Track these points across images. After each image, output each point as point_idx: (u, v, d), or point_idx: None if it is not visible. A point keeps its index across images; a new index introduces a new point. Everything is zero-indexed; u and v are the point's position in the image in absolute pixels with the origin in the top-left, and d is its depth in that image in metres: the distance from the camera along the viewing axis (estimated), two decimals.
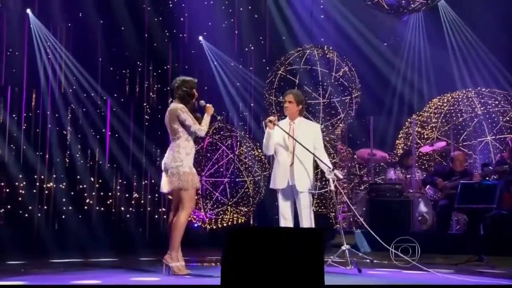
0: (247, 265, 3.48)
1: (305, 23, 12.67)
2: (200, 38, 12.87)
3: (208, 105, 6.17)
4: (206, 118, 6.08)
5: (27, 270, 6.55)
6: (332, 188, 6.70)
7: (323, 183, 10.47)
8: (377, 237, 6.91)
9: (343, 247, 6.39)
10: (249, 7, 12.90)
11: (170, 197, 7.32)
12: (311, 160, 6.76)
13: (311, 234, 3.67)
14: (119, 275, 6.00)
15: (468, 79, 12.33)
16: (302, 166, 6.66)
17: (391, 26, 12.67)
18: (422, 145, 11.05)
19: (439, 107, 11.82)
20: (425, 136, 11.62)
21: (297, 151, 6.65)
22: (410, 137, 11.68)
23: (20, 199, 11.22)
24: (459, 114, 11.62)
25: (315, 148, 6.72)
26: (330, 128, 10.77)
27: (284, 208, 6.77)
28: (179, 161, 5.84)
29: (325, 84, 10.40)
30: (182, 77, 6.18)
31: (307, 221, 6.62)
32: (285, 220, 6.74)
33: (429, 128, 11.69)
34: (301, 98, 6.92)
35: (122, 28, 12.10)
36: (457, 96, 11.76)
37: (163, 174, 5.98)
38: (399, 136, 11.95)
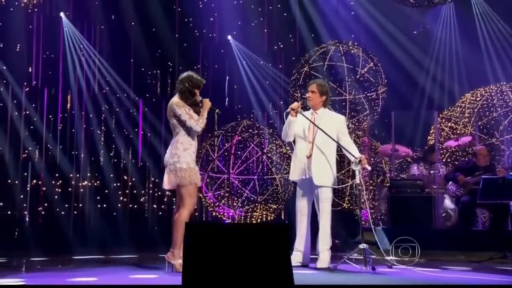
0: (207, 261, 3.40)
1: (335, 20, 12.63)
2: (229, 37, 12.97)
3: (205, 99, 6.02)
4: (203, 113, 5.91)
5: (35, 266, 6.72)
6: (357, 181, 6.33)
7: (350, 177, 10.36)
8: (377, 239, 6.77)
9: (360, 246, 6.18)
10: (279, 6, 12.93)
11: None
12: (333, 153, 6.51)
13: (275, 230, 3.56)
14: (119, 273, 5.97)
15: (501, 73, 12.05)
16: (322, 158, 6.41)
17: (420, 19, 12.48)
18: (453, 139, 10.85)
19: (472, 102, 11.61)
20: (458, 132, 11.43)
21: (317, 142, 6.42)
22: (442, 133, 11.52)
23: (56, 197, 11.57)
24: (492, 109, 11.39)
25: (340, 139, 6.47)
26: (356, 124, 10.68)
27: (301, 202, 6.60)
28: (176, 157, 5.80)
29: (349, 80, 10.31)
30: (191, 73, 6.08)
31: (325, 218, 6.44)
32: (302, 216, 6.57)
33: (461, 123, 11.50)
34: (325, 88, 6.66)
35: (153, 29, 12.31)
36: (491, 90, 11.52)
37: (165, 170, 5.95)
38: (431, 132, 11.78)
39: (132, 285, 4.99)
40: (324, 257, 6.41)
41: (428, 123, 11.94)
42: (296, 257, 6.54)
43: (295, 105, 6.50)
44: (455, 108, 11.79)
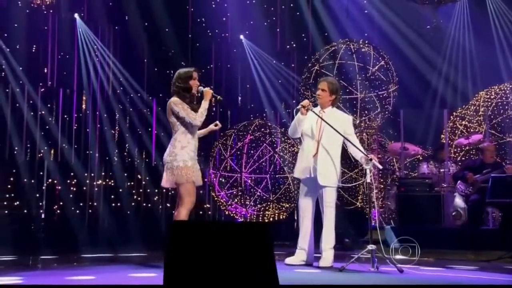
0: (190, 259, 3.36)
1: (347, 19, 12.60)
2: (241, 37, 13.02)
3: (205, 89, 5.94)
4: (203, 104, 5.85)
5: (41, 265, 6.74)
6: (369, 180, 6.12)
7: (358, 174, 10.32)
8: (385, 237, 6.67)
9: (369, 247, 6.06)
10: (291, 5, 12.93)
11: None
12: (338, 153, 6.43)
13: (256, 229, 3.53)
14: (119, 271, 5.86)
15: None
16: (327, 157, 6.32)
17: (432, 17, 12.40)
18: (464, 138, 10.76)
19: (486, 100, 11.52)
20: (472, 130, 11.33)
21: (323, 141, 6.35)
22: (456, 131, 11.44)
23: (71, 196, 11.74)
24: (507, 107, 11.27)
25: (346, 137, 6.36)
26: (367, 122, 10.66)
27: (305, 200, 6.52)
28: (173, 155, 5.75)
29: (360, 78, 10.29)
30: (179, 70, 6.01)
31: (329, 219, 6.35)
32: (305, 214, 6.49)
33: (475, 121, 11.41)
34: (335, 87, 6.56)
35: (166, 29, 12.42)
36: (505, 88, 11.41)
37: (164, 169, 5.92)
38: (444, 130, 11.69)
39: (124, 284, 4.92)
40: (327, 256, 6.34)
41: (441, 122, 11.85)
42: (300, 256, 6.52)
43: (305, 102, 6.44)
44: (469, 107, 11.70)
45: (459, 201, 9.27)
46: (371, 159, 6.16)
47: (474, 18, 12.46)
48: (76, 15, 11.90)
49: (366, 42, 10.82)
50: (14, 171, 11.24)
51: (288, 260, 6.56)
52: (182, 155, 5.76)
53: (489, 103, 11.36)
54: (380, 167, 6.77)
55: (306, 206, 6.54)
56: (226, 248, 3.42)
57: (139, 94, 12.35)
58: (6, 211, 11.11)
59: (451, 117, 11.71)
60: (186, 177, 5.72)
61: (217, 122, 6.29)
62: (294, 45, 13.17)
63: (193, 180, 5.79)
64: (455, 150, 11.34)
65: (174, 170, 5.74)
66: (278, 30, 13.07)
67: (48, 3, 11.48)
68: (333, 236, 6.44)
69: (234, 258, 3.41)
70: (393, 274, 5.82)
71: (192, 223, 3.68)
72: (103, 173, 12.09)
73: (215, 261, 3.38)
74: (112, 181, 12.12)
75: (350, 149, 6.54)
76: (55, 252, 8.04)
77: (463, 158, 11.16)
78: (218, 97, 6.06)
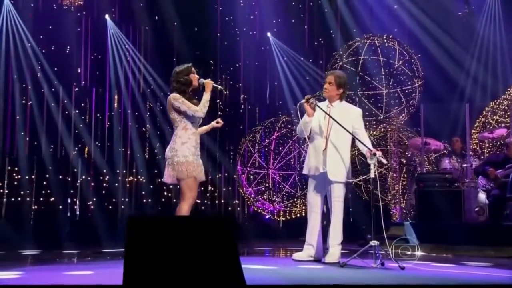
0: (150, 256, 3.31)
1: (375, 15, 12.51)
2: (268, 34, 13.07)
3: (206, 81, 5.94)
4: (205, 96, 5.86)
5: (50, 259, 6.87)
6: (372, 175, 5.96)
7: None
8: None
9: (371, 243, 5.88)
10: (319, 1, 12.91)
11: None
12: (347, 148, 6.35)
13: (219, 223, 3.45)
14: (119, 266, 5.71)
15: None
16: (336, 153, 6.25)
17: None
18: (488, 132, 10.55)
19: None
20: (503, 125, 11.11)
21: (332, 136, 6.27)
22: (488, 126, 11.24)
23: (103, 192, 12.05)
24: None
25: (354, 133, 6.27)
26: (394, 119, 10.57)
27: (313, 196, 6.46)
28: (174, 151, 5.76)
29: (383, 74, 10.21)
30: (176, 69, 6.03)
31: (337, 215, 6.29)
32: (313, 210, 6.44)
33: (506, 116, 11.18)
34: (343, 80, 6.44)
35: (195, 28, 12.59)
36: None
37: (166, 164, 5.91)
38: (475, 125, 11.50)
39: (109, 284, 4.64)
40: (334, 252, 6.27)
41: (471, 116, 11.65)
42: (308, 251, 6.47)
43: (308, 96, 6.41)
44: (502, 101, 11.48)
45: (483, 197, 9.09)
46: (375, 154, 6.07)
47: (505, 13, 12.17)
48: (107, 16, 12.19)
49: (391, 36, 10.71)
50: (50, 168, 11.60)
51: (296, 255, 6.56)
52: (182, 151, 5.76)
53: None
54: (385, 162, 6.66)
55: (314, 202, 6.49)
56: (187, 244, 3.36)
57: (168, 93, 12.54)
58: (43, 207, 11.53)
59: (484, 111, 11.51)
60: (186, 172, 5.72)
61: (219, 119, 6.34)
62: (322, 41, 13.13)
63: (194, 176, 5.77)
64: (489, 144, 11.15)
65: (175, 165, 5.74)
66: (306, 27, 13.04)
67: (77, 4, 11.79)
68: (341, 232, 6.36)
69: (196, 254, 3.34)
70: (395, 270, 5.70)
71: (150, 218, 3.56)
72: (134, 170, 12.36)
73: (176, 259, 3.32)
74: (143, 177, 12.37)
75: (358, 143, 6.51)
76: (79, 247, 8.29)
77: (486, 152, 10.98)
78: (219, 87, 6.10)
